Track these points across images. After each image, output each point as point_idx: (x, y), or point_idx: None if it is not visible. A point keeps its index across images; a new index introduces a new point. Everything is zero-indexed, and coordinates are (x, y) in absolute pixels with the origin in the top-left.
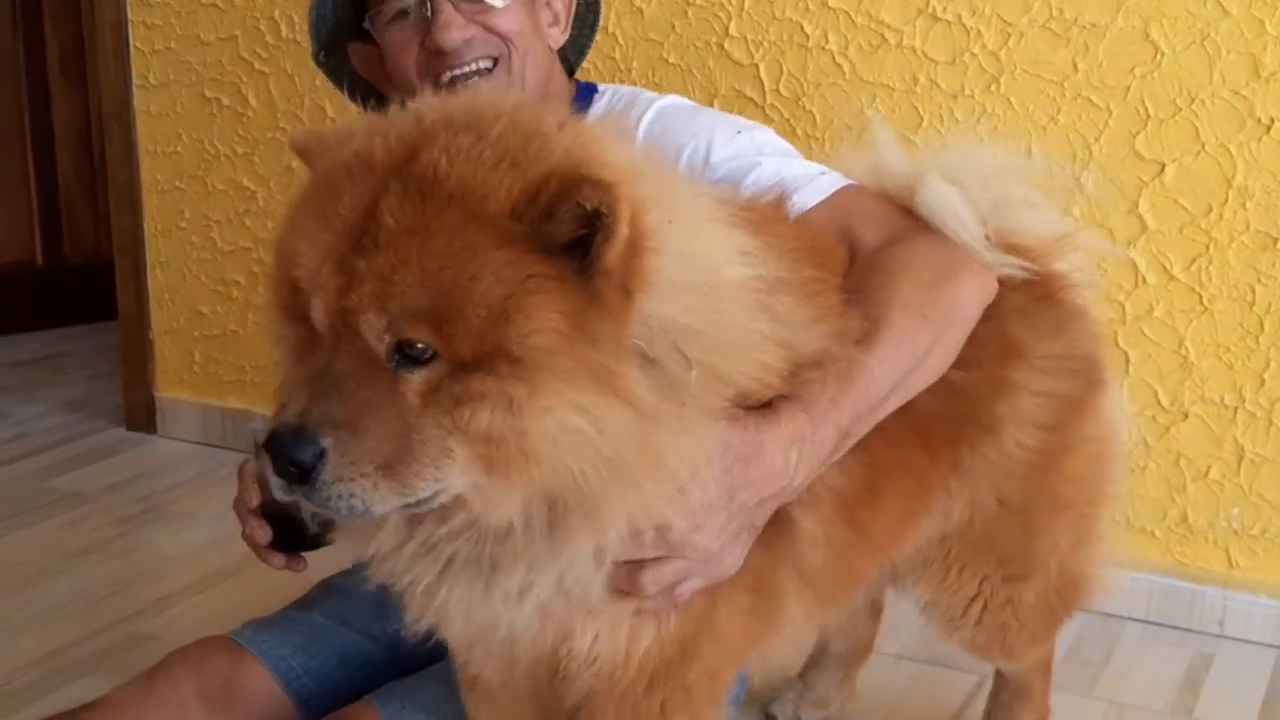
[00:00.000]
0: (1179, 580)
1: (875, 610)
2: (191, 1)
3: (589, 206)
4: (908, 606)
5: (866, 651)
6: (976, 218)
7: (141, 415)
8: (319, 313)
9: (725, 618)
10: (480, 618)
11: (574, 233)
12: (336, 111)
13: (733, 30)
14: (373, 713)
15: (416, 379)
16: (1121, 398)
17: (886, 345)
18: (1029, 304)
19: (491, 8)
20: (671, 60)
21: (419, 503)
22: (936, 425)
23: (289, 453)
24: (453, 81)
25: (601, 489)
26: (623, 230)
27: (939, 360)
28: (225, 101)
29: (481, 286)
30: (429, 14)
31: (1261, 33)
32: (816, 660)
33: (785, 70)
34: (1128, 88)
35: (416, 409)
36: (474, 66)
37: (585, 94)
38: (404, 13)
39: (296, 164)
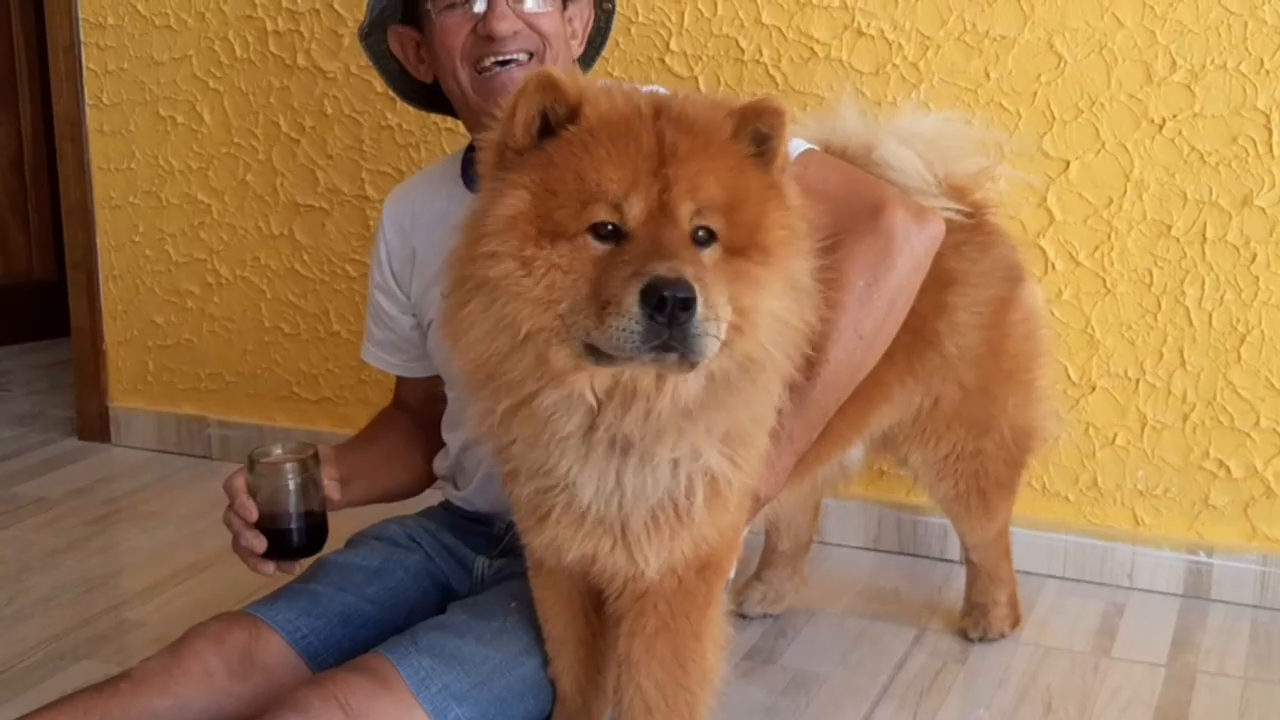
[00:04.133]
0: (1091, 539)
1: (814, 511)
2: (145, 23)
3: (764, 129)
4: (850, 571)
5: (808, 547)
6: (926, 170)
7: (95, 425)
8: (638, 209)
9: (746, 521)
10: (608, 486)
11: (756, 151)
12: (290, 127)
13: (673, 46)
14: (381, 660)
15: (706, 255)
16: (1037, 283)
17: (827, 379)
18: (961, 237)
19: (536, 10)
20: (616, 74)
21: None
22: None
23: (683, 294)
24: (493, 66)
25: (766, 358)
26: (786, 145)
27: (876, 356)
28: (180, 119)
29: (750, 191)
30: (482, 8)
31: (1153, 42)
32: (768, 561)
33: (723, 82)
34: (1035, 93)
35: (709, 278)
36: (515, 56)
37: None
38: (460, 2)
39: (251, 177)
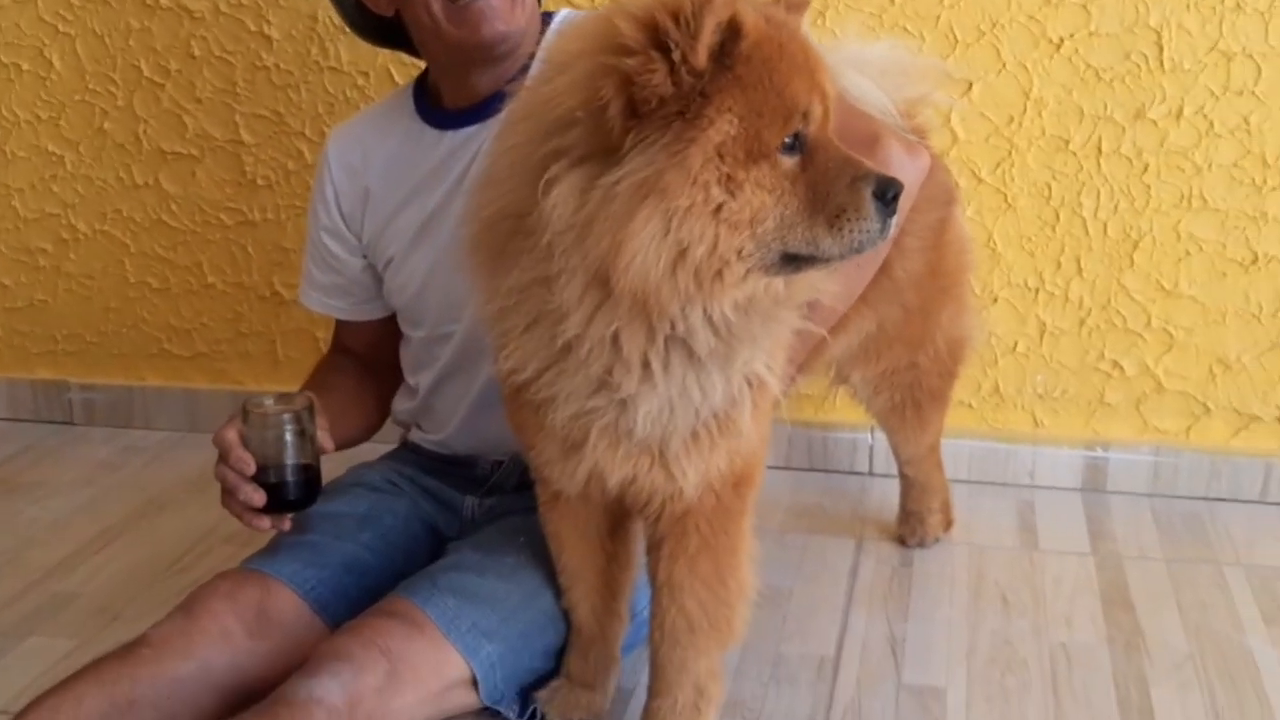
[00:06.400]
0: (994, 442)
1: None
2: None
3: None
4: (771, 491)
5: None
6: (887, 100)
7: None
8: (819, 113)
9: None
10: (663, 403)
11: None
12: (152, 71)
13: None
14: (406, 603)
15: None
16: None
17: (826, 306)
18: None
19: None
20: None
21: None
22: None
23: (900, 190)
24: None
25: None
26: None
27: (866, 282)
28: (25, 66)
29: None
30: None
31: None
32: None
33: None
34: (938, 17)
35: None
36: None
37: (546, 18)
38: None
39: (109, 125)
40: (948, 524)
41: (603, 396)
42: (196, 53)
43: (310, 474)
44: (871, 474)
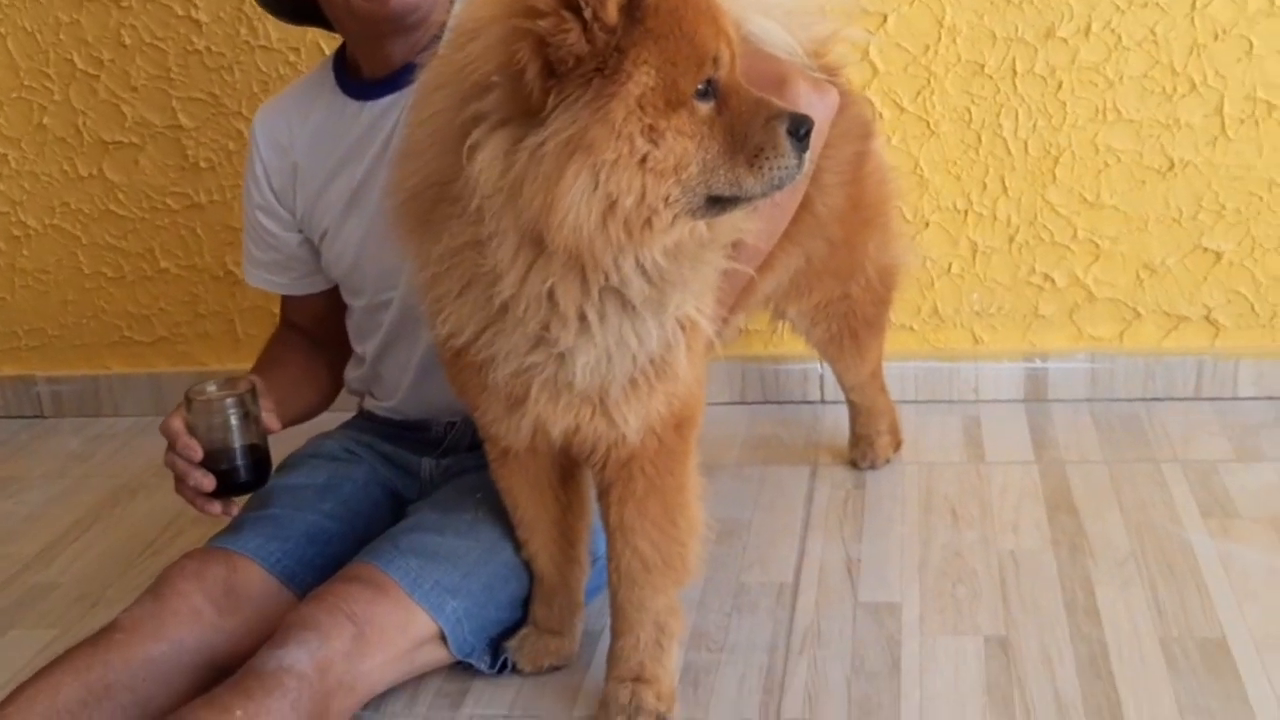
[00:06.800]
0: (936, 361)
1: None
2: None
3: None
4: (729, 426)
5: None
6: (794, 41)
7: None
8: (727, 57)
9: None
10: (599, 352)
11: None
12: (86, 62)
13: None
14: (369, 567)
15: None
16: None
17: (749, 246)
18: None
19: None
20: None
21: None
22: None
23: (812, 126)
24: None
25: None
26: None
27: (787, 221)
28: None
29: None
30: None
31: None
32: None
33: None
34: None
35: None
36: None
37: None
38: None
39: (48, 119)
40: (897, 444)
41: (541, 352)
42: (127, 41)
43: (258, 455)
44: (823, 402)
